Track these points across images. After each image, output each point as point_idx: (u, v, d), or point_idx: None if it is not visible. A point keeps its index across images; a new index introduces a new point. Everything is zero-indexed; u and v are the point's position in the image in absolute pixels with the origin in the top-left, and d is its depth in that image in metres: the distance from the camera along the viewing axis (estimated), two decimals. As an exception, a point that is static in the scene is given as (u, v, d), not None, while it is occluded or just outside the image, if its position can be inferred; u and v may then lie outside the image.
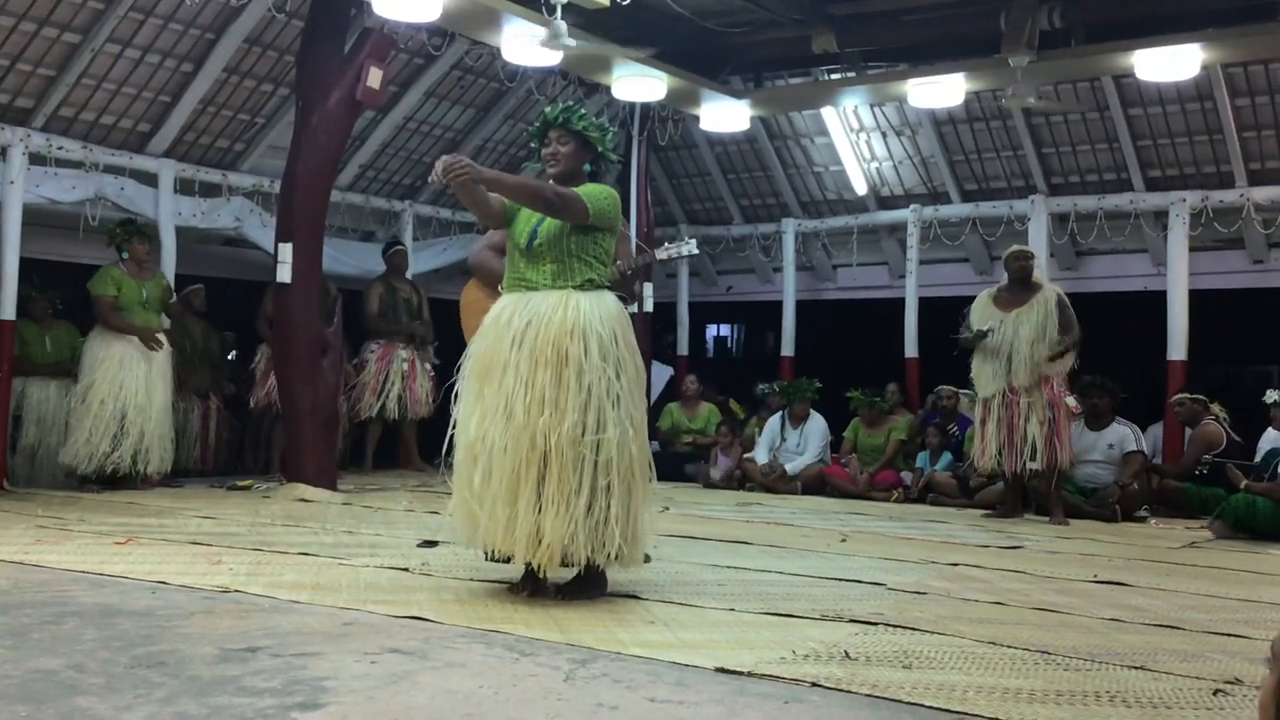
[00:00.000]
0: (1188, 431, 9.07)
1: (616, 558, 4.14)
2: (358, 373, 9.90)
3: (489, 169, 4.34)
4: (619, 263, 5.24)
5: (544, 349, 4.11)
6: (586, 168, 4.43)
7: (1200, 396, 8.74)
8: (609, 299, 4.30)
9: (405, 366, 10.04)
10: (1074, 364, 7.97)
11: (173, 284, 9.03)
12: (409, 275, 10.54)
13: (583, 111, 4.46)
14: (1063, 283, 8.61)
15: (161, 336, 8.33)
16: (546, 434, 4.03)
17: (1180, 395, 8.88)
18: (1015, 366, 7.86)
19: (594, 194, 4.28)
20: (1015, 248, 8.40)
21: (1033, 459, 7.77)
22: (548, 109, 4.46)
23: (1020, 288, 8.05)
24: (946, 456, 9.47)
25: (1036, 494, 8.21)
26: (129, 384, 8.04)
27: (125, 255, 8.28)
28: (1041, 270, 8.39)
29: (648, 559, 4.87)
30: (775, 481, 9.84)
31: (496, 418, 4.12)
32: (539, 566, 4.16)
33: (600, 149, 4.44)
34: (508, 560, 4.29)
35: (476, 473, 4.14)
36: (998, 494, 8.44)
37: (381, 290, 10.13)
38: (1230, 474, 7.63)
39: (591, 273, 4.29)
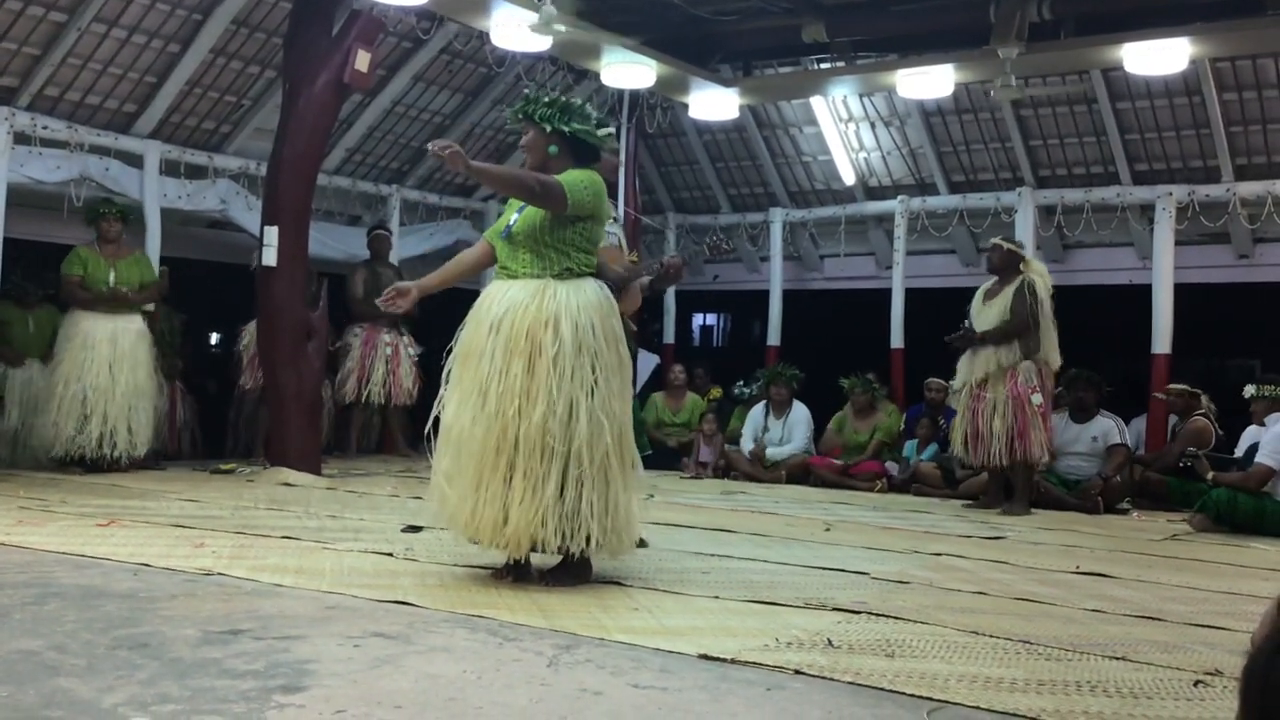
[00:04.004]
0: (1171, 421, 9.12)
1: (598, 545, 4.14)
2: (341, 357, 9.87)
3: (476, 161, 4.31)
4: (672, 257, 5.34)
5: (518, 338, 4.12)
6: (553, 150, 4.37)
7: (1196, 390, 8.76)
8: (589, 288, 4.27)
9: (389, 351, 10.02)
10: (1056, 359, 7.91)
11: (157, 267, 8.98)
12: (395, 260, 10.52)
13: (536, 99, 4.38)
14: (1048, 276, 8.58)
15: (150, 309, 8.32)
16: (517, 422, 4.04)
17: (1174, 386, 8.90)
18: (976, 358, 7.90)
19: (573, 182, 4.24)
20: (991, 240, 8.41)
21: (1002, 453, 7.75)
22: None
23: (1003, 280, 8.01)
24: (933, 448, 9.49)
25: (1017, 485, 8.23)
26: (90, 365, 7.93)
27: (96, 235, 8.22)
28: (1032, 257, 8.30)
29: (644, 544, 4.88)
30: (758, 468, 9.86)
31: (470, 404, 4.15)
32: (510, 553, 4.20)
33: (550, 128, 4.33)
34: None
35: (447, 457, 4.19)
36: (981, 485, 8.46)
37: (365, 274, 10.11)
38: (1198, 467, 7.68)
39: (569, 261, 4.26)
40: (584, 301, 4.20)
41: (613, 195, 5.49)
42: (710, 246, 6.14)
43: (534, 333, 4.10)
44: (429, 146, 4.26)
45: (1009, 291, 7.86)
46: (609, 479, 4.13)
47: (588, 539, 4.10)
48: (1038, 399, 7.72)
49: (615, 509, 4.15)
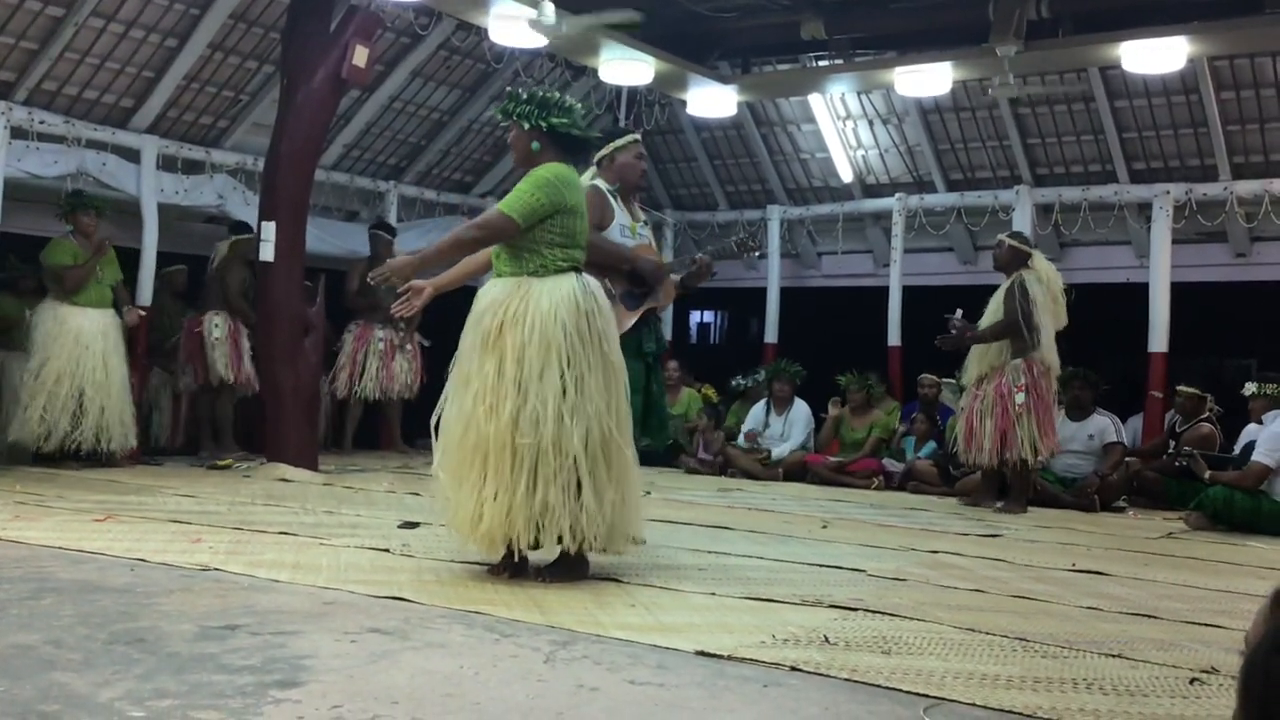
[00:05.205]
0: (1168, 419, 9.12)
1: (572, 543, 4.15)
2: (337, 353, 9.88)
3: (414, 256, 4.40)
4: (703, 255, 5.45)
5: (491, 336, 4.15)
6: (535, 146, 4.37)
7: (1204, 394, 8.73)
8: (565, 285, 4.21)
9: (381, 346, 10.03)
10: (1052, 359, 7.86)
11: (154, 262, 8.98)
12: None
13: (516, 96, 4.41)
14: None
15: (138, 311, 8.36)
16: (490, 420, 4.06)
17: (1184, 388, 8.87)
18: (973, 357, 7.94)
19: (516, 197, 4.22)
20: (997, 237, 8.38)
21: (992, 452, 7.74)
22: None
23: (1007, 277, 7.99)
24: (931, 444, 9.50)
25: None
26: (86, 361, 7.92)
27: (71, 228, 8.19)
28: (1038, 254, 8.26)
29: (641, 542, 4.88)
30: (756, 465, 9.86)
31: (455, 401, 4.22)
32: (482, 550, 4.26)
33: (529, 125, 4.34)
34: None
35: (440, 453, 4.25)
36: (977, 483, 8.46)
37: (364, 269, 10.11)
38: (1195, 466, 7.68)
39: (543, 259, 4.24)
40: (557, 299, 4.16)
41: (637, 198, 5.51)
42: (738, 244, 6.15)
43: (504, 331, 4.13)
44: (370, 281, 4.52)
45: (1001, 290, 7.88)
46: (582, 477, 4.08)
47: (560, 537, 4.10)
48: (1020, 398, 7.63)
49: (594, 507, 4.10)
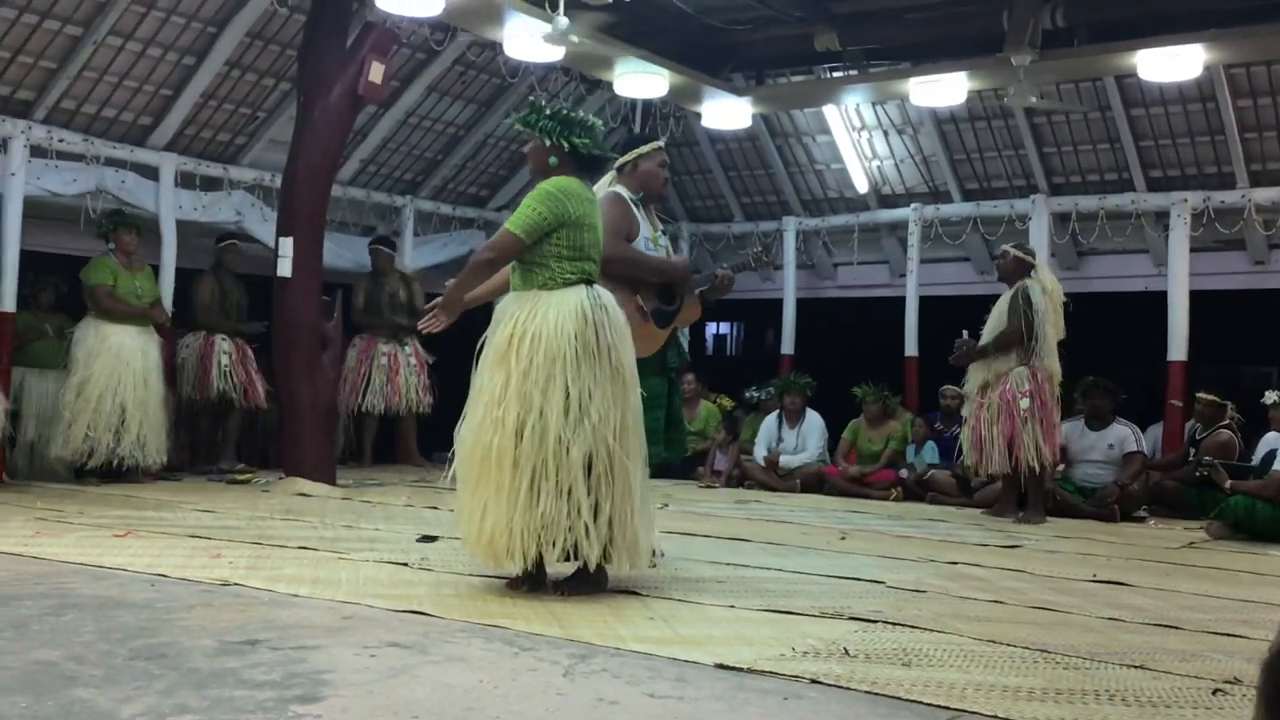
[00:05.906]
0: (1189, 427, 9.07)
1: (569, 558, 4.16)
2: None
3: (450, 293, 4.43)
4: (724, 269, 5.48)
5: (499, 349, 4.18)
6: (553, 161, 4.39)
7: (1224, 401, 8.68)
8: (572, 298, 4.21)
9: (384, 360, 10.06)
10: (1054, 366, 7.87)
11: (173, 279, 9.03)
12: (409, 270, 10.54)
13: (539, 109, 4.44)
14: (1064, 283, 8.51)
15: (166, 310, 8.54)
16: (494, 432, 4.08)
17: (1204, 395, 8.83)
18: (976, 366, 7.98)
19: (520, 214, 4.24)
20: (1001, 248, 8.45)
21: (1003, 460, 7.75)
22: None
23: (1010, 287, 8.05)
24: (930, 446, 9.50)
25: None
26: (127, 377, 8.02)
27: (112, 246, 8.27)
28: (1041, 264, 8.30)
29: (661, 554, 4.87)
30: (773, 477, 9.84)
31: (469, 413, 4.26)
32: (485, 562, 4.27)
33: (550, 142, 4.37)
34: None
35: (456, 464, 4.28)
36: (996, 493, 8.43)
37: (367, 284, 10.18)
38: (1215, 475, 7.64)
39: (550, 273, 4.25)
40: (564, 312, 4.16)
41: (655, 206, 5.50)
42: (755, 257, 6.16)
43: (513, 344, 4.15)
44: (419, 329, 4.61)
45: (1005, 300, 7.91)
46: (579, 494, 4.05)
47: (566, 553, 4.12)
48: (1025, 403, 7.69)
49: (591, 523, 4.08)
